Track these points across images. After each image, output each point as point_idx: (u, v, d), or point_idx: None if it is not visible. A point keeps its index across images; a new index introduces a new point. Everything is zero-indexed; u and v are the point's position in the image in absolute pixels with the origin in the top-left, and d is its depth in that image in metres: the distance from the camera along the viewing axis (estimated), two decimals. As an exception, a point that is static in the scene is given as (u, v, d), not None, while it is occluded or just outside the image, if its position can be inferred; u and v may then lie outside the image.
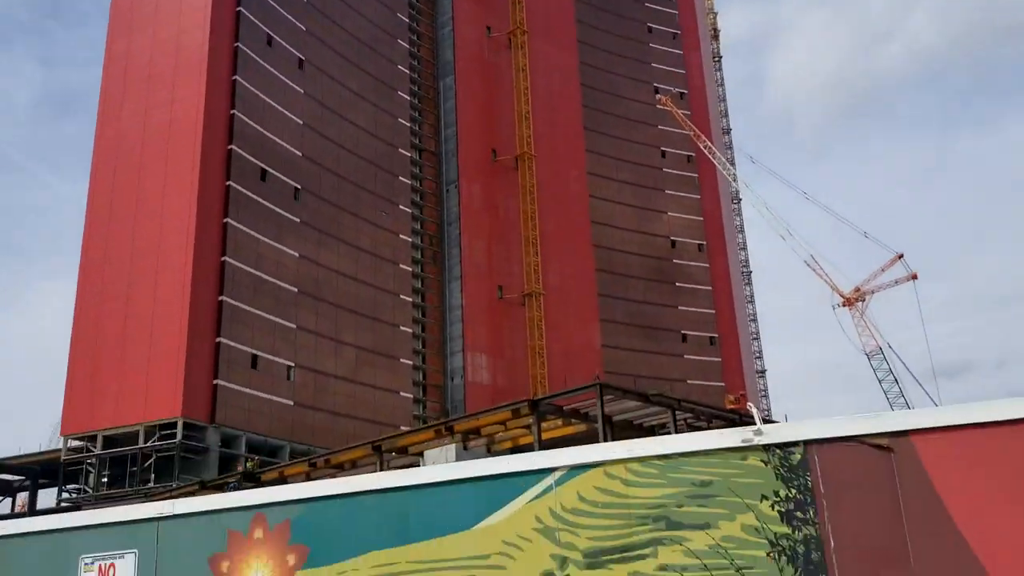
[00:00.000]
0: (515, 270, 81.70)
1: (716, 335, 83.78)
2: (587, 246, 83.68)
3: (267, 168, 68.08)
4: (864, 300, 73.81)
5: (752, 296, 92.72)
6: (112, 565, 5.24)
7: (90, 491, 59.36)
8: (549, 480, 4.57)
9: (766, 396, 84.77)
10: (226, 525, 5.09)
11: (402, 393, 74.61)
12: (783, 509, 4.17)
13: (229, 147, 65.21)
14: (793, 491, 4.17)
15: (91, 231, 64.52)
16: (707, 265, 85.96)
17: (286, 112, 71.04)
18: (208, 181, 63.36)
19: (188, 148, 62.94)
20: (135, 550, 5.21)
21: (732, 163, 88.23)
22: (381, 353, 72.68)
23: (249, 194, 65.98)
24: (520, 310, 79.50)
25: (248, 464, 53.06)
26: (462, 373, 76.00)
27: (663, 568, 4.28)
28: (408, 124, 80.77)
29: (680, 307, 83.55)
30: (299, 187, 70.71)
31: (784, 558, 4.11)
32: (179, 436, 58.50)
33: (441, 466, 4.85)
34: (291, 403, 67.19)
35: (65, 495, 62.06)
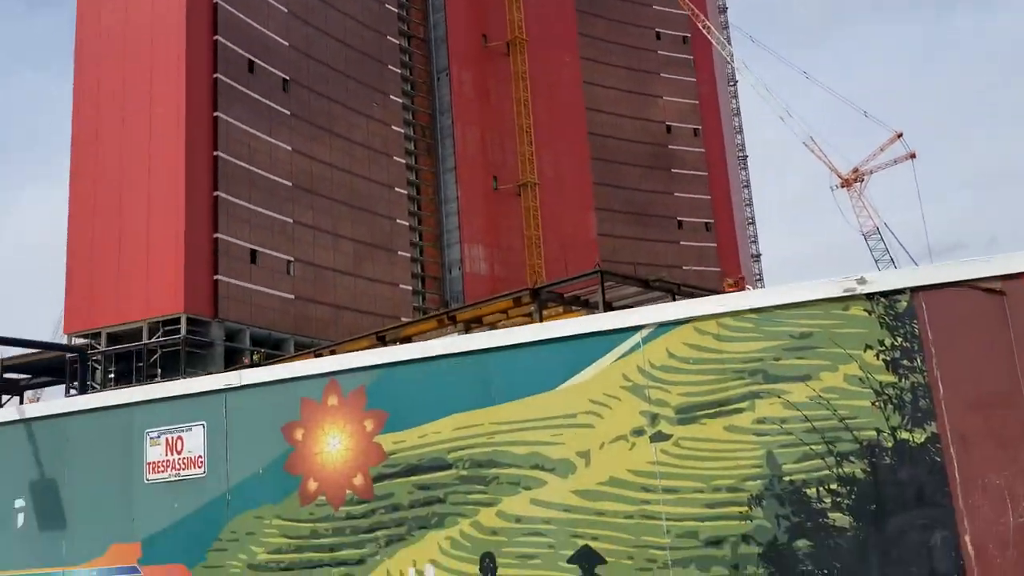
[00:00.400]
0: (509, 160, 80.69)
1: (711, 220, 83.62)
2: (582, 134, 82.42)
3: (254, 59, 66.19)
4: (862, 181, 73.34)
5: (748, 181, 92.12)
6: (179, 438, 5.12)
7: (98, 386, 59.95)
8: (636, 338, 4.41)
9: (761, 280, 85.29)
10: (298, 393, 4.95)
11: (401, 285, 74.73)
12: (888, 358, 4.03)
13: (215, 38, 63.21)
14: (899, 339, 4.02)
15: (79, 130, 63.16)
16: (702, 150, 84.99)
17: (270, 0, 68.69)
18: (195, 74, 61.65)
19: (173, 41, 60.97)
20: (203, 422, 5.08)
21: (729, 42, 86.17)
22: (378, 246, 72.46)
23: (238, 86, 64.34)
24: (516, 200, 78.95)
25: (254, 357, 53.59)
26: (460, 264, 76.02)
27: (760, 421, 4.16)
28: (396, 10, 78.23)
29: (676, 193, 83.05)
30: (288, 78, 68.94)
31: (890, 407, 3.99)
32: (183, 331, 58.84)
33: (523, 328, 4.69)
34: (292, 297, 67.33)
35: (73, 392, 62.74)
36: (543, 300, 29.80)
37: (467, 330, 34.01)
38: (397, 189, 77.04)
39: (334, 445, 4.85)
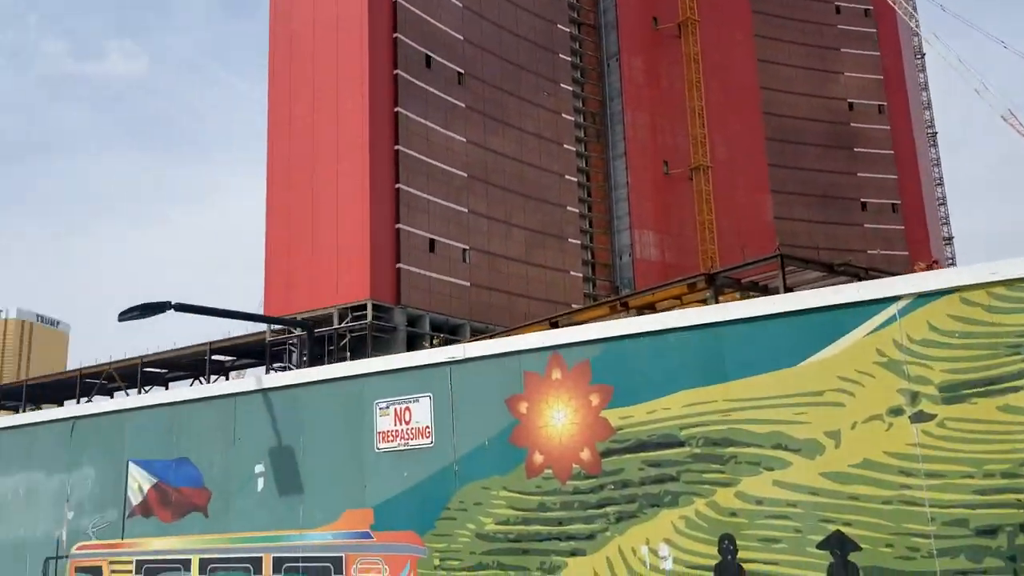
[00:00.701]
0: (681, 144, 79.00)
1: (898, 202, 78.62)
2: (756, 114, 79.48)
3: (431, 54, 68.06)
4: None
5: (938, 159, 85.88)
6: (407, 408, 5.18)
7: (294, 368, 63.68)
8: (892, 310, 4.03)
9: (954, 265, 79.37)
10: (522, 367, 4.89)
11: (572, 272, 74.88)
12: None
13: (394, 35, 65.45)
14: None
15: (274, 128, 67.09)
16: (887, 127, 79.96)
17: (446, -4, 70.31)
18: (377, 71, 64.09)
19: (356, 40, 63.64)
20: (429, 394, 5.11)
21: (915, 12, 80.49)
22: (550, 234, 72.89)
23: (416, 81, 66.38)
24: (687, 185, 77.23)
25: (434, 342, 55.28)
26: (630, 250, 75.28)
27: (1044, 400, 3.69)
28: (566, -2, 78.30)
29: (859, 174, 78.62)
30: (462, 72, 70.42)
31: None
32: (369, 317, 61.55)
33: (759, 300, 4.40)
34: (467, 284, 68.91)
35: (271, 374, 66.92)
36: (719, 285, 28.86)
37: (639, 316, 33.51)
38: (567, 177, 77.14)
39: (559, 419, 4.76)
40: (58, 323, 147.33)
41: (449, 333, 63.90)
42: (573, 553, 4.58)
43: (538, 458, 4.79)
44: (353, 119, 62.49)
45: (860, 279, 28.37)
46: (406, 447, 5.10)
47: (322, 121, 64.30)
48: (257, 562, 5.56)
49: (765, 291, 29.47)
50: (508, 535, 4.71)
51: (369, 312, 61.52)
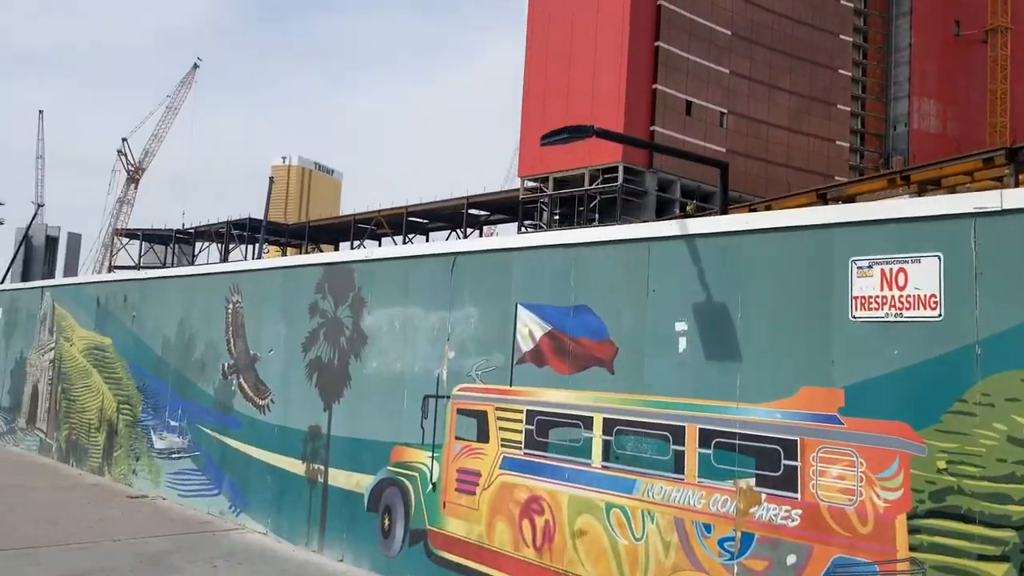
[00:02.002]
0: (975, 1, 68.98)
1: None
2: (1078, -34, 67.49)
3: (703, -99, 62.96)
4: None
5: None
6: (901, 270, 4.00)
7: (544, 227, 64.40)
8: None
9: None
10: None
11: (838, 142, 69.18)
12: None
13: None
14: None
15: (536, -17, 65.36)
16: None
17: None
18: (643, -79, 60.33)
19: None
20: (938, 253, 3.87)
21: None
22: (817, 99, 67.18)
23: (685, -69, 61.89)
24: (980, 49, 67.74)
25: (687, 208, 53.27)
26: (906, 120, 68.04)
27: None
28: None
29: None
30: (735, -80, 64.76)
31: None
32: (620, 179, 60.38)
33: None
34: (723, 150, 65.53)
35: (523, 230, 68.18)
36: (1021, 162, 24.93)
37: (920, 192, 29.93)
38: (842, 36, 70.10)
39: None
40: (332, 171, 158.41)
41: (701, 201, 61.57)
42: None
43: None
44: (617, -29, 59.56)
45: None
46: (898, 318, 3.97)
47: (585, -26, 61.76)
48: (677, 432, 4.79)
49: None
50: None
51: (620, 174, 60.32)
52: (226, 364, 8.37)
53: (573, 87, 63.01)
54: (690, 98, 65.48)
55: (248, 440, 7.91)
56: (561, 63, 63.59)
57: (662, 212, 61.73)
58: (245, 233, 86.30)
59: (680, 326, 4.86)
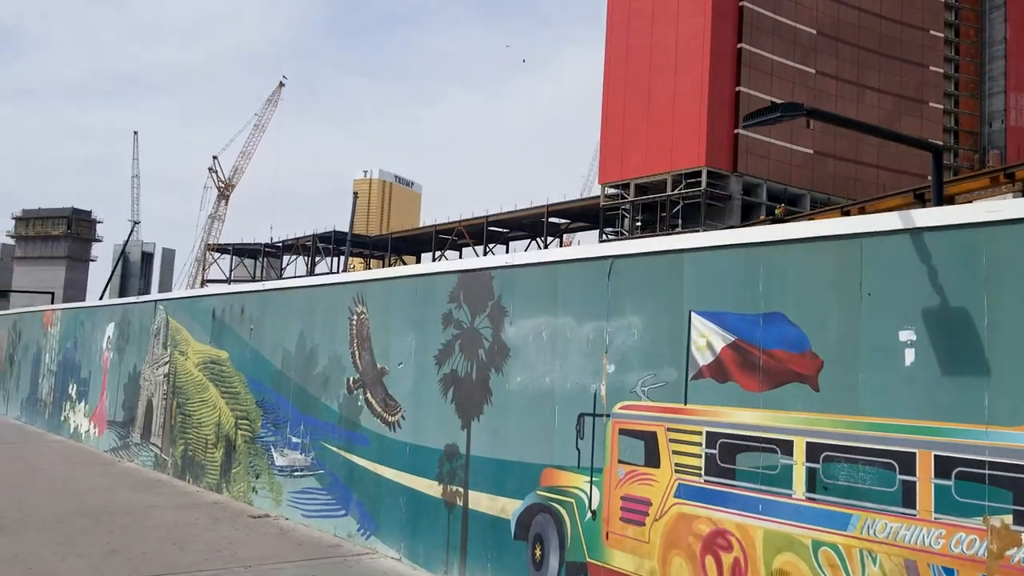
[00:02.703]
0: (1076, -10, 65.48)
1: None
2: None
3: (784, -101, 61.45)
4: None
5: None
6: None
7: (625, 233, 63.39)
8: None
9: None
10: None
11: (930, 140, 66.21)
12: None
13: None
14: None
15: (616, -10, 64.58)
16: None
17: None
18: (724, -78, 59.14)
19: None
20: None
21: None
22: (908, 97, 64.60)
23: (767, -70, 60.47)
24: (1084, 38, 64.19)
25: (776, 211, 51.64)
26: (1002, 117, 64.82)
27: None
28: None
29: None
30: (818, -84, 63.02)
31: None
32: (704, 184, 59.03)
33: None
34: (811, 152, 63.61)
35: (604, 238, 67.30)
36: None
37: (1026, 190, 28.17)
38: (932, 32, 67.36)
39: None
40: (412, 183, 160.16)
41: (788, 204, 59.77)
42: None
43: None
44: (698, -25, 58.40)
45: None
46: None
47: (665, -21, 60.73)
48: (906, 460, 4.06)
49: None
50: None
51: (704, 179, 58.99)
52: (351, 378, 7.91)
53: (654, 92, 61.96)
54: (775, 99, 63.60)
55: (377, 458, 7.41)
56: (641, 68, 62.63)
57: (747, 216, 60.11)
58: (330, 246, 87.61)
59: (905, 335, 4.12)
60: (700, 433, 4.91)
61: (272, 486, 8.85)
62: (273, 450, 8.93)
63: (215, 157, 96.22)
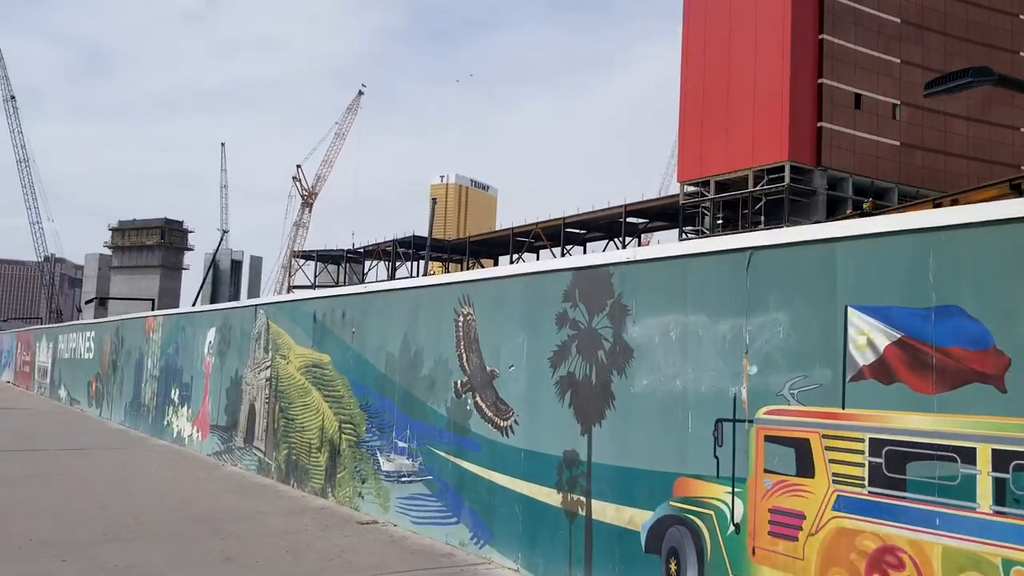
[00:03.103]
0: None
1: None
2: None
3: None
4: None
5: None
6: None
7: (707, 232, 62.07)
8: None
9: None
10: None
11: (1022, 129, 63.28)
12: None
13: None
14: None
15: (692, -15, 63.43)
16: None
17: None
18: (802, -89, 57.50)
19: None
20: None
21: None
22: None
23: (848, -82, 58.54)
24: None
25: (864, 205, 49.79)
26: (1105, 100, 61.13)
27: None
28: None
29: None
30: (902, -100, 60.71)
31: None
32: (787, 179, 57.40)
33: None
34: (897, 143, 61.27)
35: (684, 237, 66.07)
36: None
37: None
38: (1021, 17, 64.19)
39: None
40: (488, 187, 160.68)
41: (875, 198, 57.67)
42: None
43: None
44: (777, -34, 56.87)
45: None
46: None
47: (743, -28, 59.31)
48: (1124, 472, 3.54)
49: None
50: None
51: (787, 174, 57.36)
52: (459, 381, 7.62)
53: (733, 87, 60.59)
54: (859, 91, 61.67)
55: (490, 464, 7.10)
56: (720, 62, 61.33)
57: (833, 212, 58.20)
58: (410, 251, 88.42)
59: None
60: (862, 440, 4.43)
61: (379, 492, 8.64)
62: (379, 455, 8.73)
63: (299, 166, 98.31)
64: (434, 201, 78.83)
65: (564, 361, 6.43)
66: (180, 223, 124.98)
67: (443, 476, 7.71)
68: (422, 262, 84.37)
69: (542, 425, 6.58)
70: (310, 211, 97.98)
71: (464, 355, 7.60)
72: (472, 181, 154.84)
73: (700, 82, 62.33)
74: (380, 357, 8.89)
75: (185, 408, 14.35)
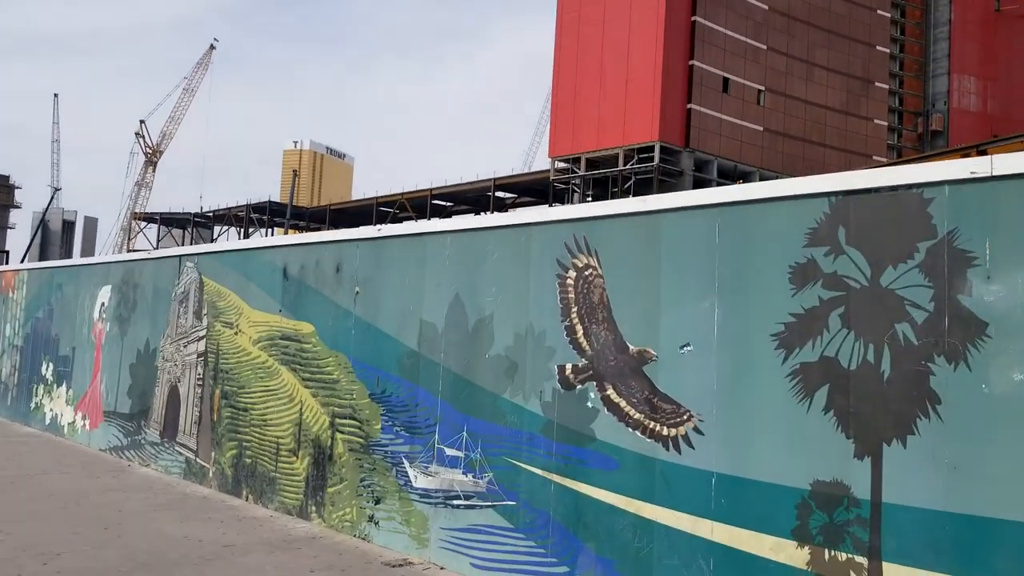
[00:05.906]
0: (1012, -23, 65.89)
1: None
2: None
3: None
4: None
5: None
6: None
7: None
8: None
9: None
10: None
11: (876, 120, 66.03)
12: None
13: None
14: None
15: (570, -43, 61.81)
16: None
17: None
18: None
19: None
20: None
21: None
22: (854, 76, 63.95)
23: (722, -99, 58.56)
24: (1021, 24, 64.60)
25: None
26: (945, 99, 64.80)
27: None
28: None
29: None
30: None
31: None
32: (656, 159, 57.14)
33: None
34: (760, 129, 62.41)
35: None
36: None
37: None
38: (880, 12, 66.89)
39: None
40: (344, 155, 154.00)
41: (736, 181, 58.46)
42: None
43: None
44: (657, -58, 56.12)
45: None
46: None
47: (622, -53, 58.25)
48: None
49: None
50: None
51: (656, 154, 57.07)
52: (570, 365, 5.10)
53: (607, 64, 59.62)
54: (727, 75, 62.23)
55: (639, 493, 4.66)
56: (594, 39, 60.15)
57: (701, 192, 58.63)
58: (264, 216, 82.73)
59: None
60: None
61: (409, 517, 5.98)
62: (407, 464, 6.05)
63: (142, 121, 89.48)
64: (295, 173, 73.90)
65: (812, 340, 4.06)
66: (7, 178, 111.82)
67: (538, 504, 5.19)
68: (278, 229, 79.17)
69: (761, 437, 4.20)
70: (154, 170, 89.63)
71: (582, 328, 5.07)
72: (328, 148, 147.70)
73: (573, 58, 61.01)
74: (408, 327, 6.19)
75: (64, 388, 10.85)
